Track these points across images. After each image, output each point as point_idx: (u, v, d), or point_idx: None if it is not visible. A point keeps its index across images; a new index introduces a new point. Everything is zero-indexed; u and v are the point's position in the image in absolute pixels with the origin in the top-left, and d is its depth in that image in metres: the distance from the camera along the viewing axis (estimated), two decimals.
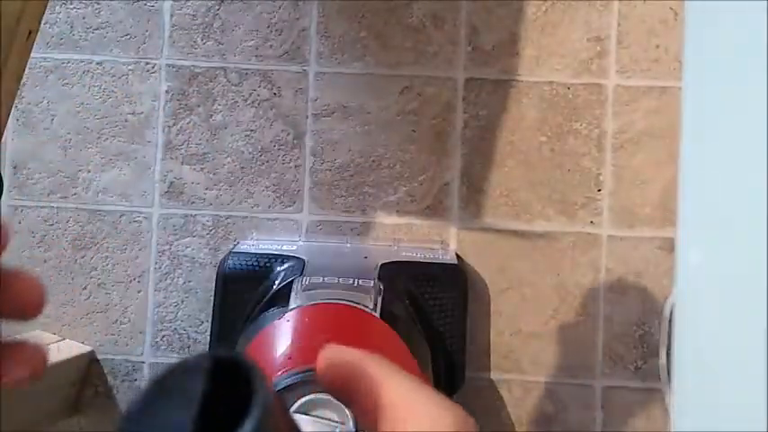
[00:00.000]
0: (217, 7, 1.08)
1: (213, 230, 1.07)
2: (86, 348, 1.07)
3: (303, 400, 0.68)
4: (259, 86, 1.08)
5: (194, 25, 1.08)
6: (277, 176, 1.07)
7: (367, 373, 0.29)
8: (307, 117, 1.08)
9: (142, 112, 1.08)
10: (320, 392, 0.68)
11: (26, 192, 1.08)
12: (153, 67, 1.08)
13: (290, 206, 1.07)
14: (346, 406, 0.29)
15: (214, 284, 0.99)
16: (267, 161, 1.07)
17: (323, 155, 1.07)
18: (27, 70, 0.69)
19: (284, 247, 1.01)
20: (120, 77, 1.09)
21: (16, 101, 0.97)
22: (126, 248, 1.08)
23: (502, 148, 1.07)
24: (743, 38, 0.42)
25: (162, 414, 0.25)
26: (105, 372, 1.08)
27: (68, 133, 1.08)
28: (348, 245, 1.05)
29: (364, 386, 0.29)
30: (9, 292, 0.27)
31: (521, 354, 1.06)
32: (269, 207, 1.07)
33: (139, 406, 0.25)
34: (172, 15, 1.09)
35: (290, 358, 0.73)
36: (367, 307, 0.87)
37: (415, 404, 0.28)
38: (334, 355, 0.30)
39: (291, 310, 0.84)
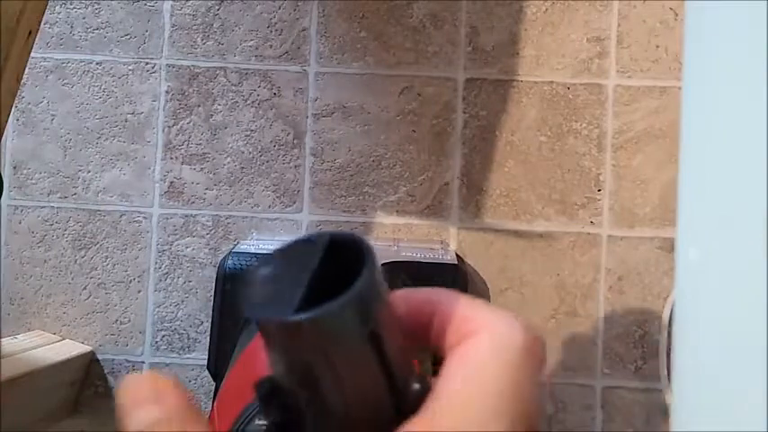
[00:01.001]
0: (217, 7, 1.08)
1: (213, 230, 1.07)
2: (86, 348, 1.07)
3: None
4: (259, 86, 1.08)
5: (194, 25, 1.08)
6: (277, 176, 1.07)
7: (437, 298, 0.30)
8: (307, 117, 1.07)
9: (142, 112, 1.08)
10: None
11: (26, 192, 1.08)
12: (153, 67, 1.08)
13: (290, 206, 1.07)
14: (422, 337, 0.30)
15: (214, 284, 0.99)
16: (267, 161, 1.07)
17: (323, 155, 1.07)
18: (27, 70, 0.69)
19: None
20: (120, 77, 1.09)
21: (16, 101, 0.97)
22: (126, 248, 1.08)
23: (502, 148, 1.07)
24: (743, 38, 0.42)
25: (280, 277, 0.27)
26: (105, 372, 1.07)
27: (68, 133, 1.08)
28: None
29: (437, 310, 0.30)
30: None
31: None
32: (269, 207, 1.07)
33: (261, 268, 0.27)
34: (172, 15, 1.09)
35: None
36: None
37: (487, 314, 0.29)
38: (400, 294, 0.30)
39: None
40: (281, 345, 0.26)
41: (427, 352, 0.31)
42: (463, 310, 0.29)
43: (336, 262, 0.27)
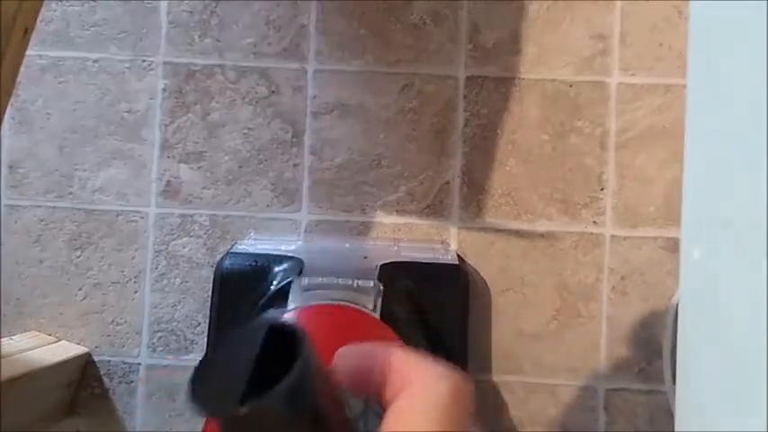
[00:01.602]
0: (214, 4, 1.08)
1: (210, 230, 1.07)
2: (82, 350, 1.06)
3: None
4: (257, 84, 1.07)
5: (192, 22, 1.08)
6: (275, 175, 1.07)
7: (376, 352, 0.33)
8: (305, 115, 1.07)
9: (139, 111, 1.08)
10: None
11: (21, 191, 1.07)
12: (150, 65, 1.08)
13: (288, 205, 1.07)
14: (362, 394, 0.33)
15: (211, 285, 0.98)
16: (265, 160, 1.07)
17: (322, 153, 1.07)
18: (22, 68, 0.68)
19: (282, 248, 1.00)
20: (116, 75, 1.08)
21: (12, 99, 0.97)
22: (122, 248, 1.07)
23: (503, 147, 1.06)
24: (747, 35, 0.41)
25: (223, 369, 0.30)
26: (101, 373, 1.07)
27: (64, 132, 1.08)
28: (347, 245, 1.04)
29: (375, 364, 0.32)
30: None
31: (522, 355, 1.06)
32: (267, 206, 1.07)
33: (206, 359, 0.30)
34: (169, 12, 1.08)
35: None
36: (366, 308, 0.86)
37: (418, 368, 0.31)
38: (346, 350, 0.33)
39: (290, 311, 0.83)
40: (229, 429, 0.30)
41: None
42: (397, 365, 0.32)
43: (278, 345, 0.30)
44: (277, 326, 0.30)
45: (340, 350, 0.33)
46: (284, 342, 0.29)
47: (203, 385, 0.29)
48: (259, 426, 0.28)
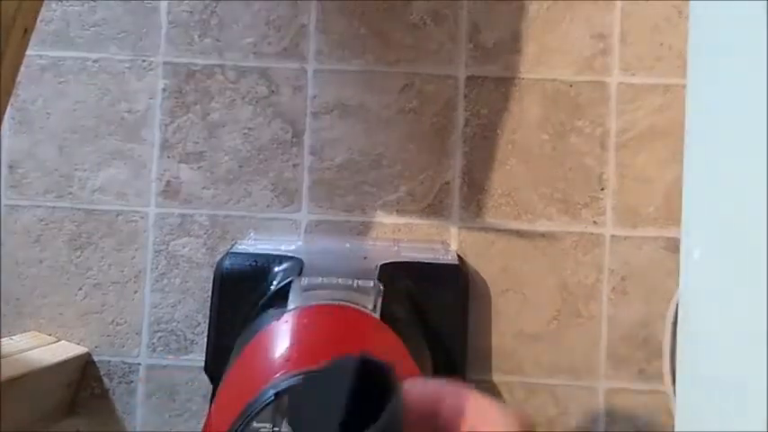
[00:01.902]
0: (214, 4, 1.07)
1: (210, 230, 1.07)
2: (82, 350, 1.06)
3: None
4: (257, 84, 1.07)
5: (192, 22, 1.08)
6: (275, 175, 1.07)
7: (446, 391, 0.34)
8: (305, 115, 1.07)
9: (139, 111, 1.08)
10: None
11: (21, 191, 1.07)
12: (150, 65, 1.08)
13: (288, 205, 1.07)
14: (428, 424, 0.34)
15: (211, 285, 0.98)
16: (265, 160, 1.07)
17: (322, 153, 1.07)
18: (22, 68, 0.68)
19: (282, 247, 1.00)
20: (116, 75, 1.08)
21: (12, 99, 0.97)
22: (122, 248, 1.07)
23: (503, 147, 1.06)
24: (747, 35, 0.41)
25: (322, 397, 0.31)
26: (101, 373, 1.07)
27: (64, 132, 1.08)
28: (347, 245, 1.04)
29: (449, 401, 0.33)
30: None
31: (522, 355, 1.05)
32: (267, 206, 1.07)
33: (302, 391, 0.32)
34: (169, 12, 1.08)
35: (288, 360, 0.73)
36: (366, 308, 0.86)
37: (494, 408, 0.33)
38: (414, 382, 0.34)
39: (290, 311, 0.83)
40: None
41: None
42: (472, 408, 0.33)
43: (368, 381, 0.32)
44: (367, 362, 0.31)
45: (408, 381, 0.34)
46: (370, 375, 0.31)
47: (303, 416, 0.31)
48: None
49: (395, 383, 0.30)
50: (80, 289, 1.07)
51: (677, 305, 0.43)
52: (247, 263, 0.97)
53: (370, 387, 0.31)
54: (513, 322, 1.06)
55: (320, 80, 1.07)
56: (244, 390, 0.73)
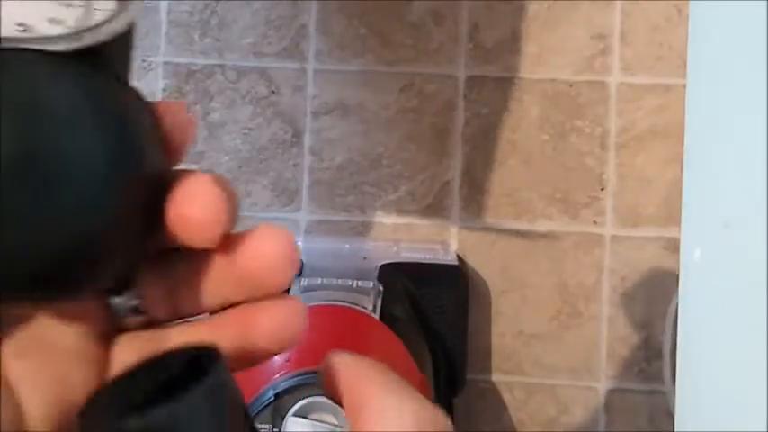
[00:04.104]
0: (214, 4, 1.08)
1: None
2: None
3: (302, 402, 0.68)
4: (257, 84, 1.07)
5: (191, 22, 1.08)
6: (275, 175, 1.07)
7: (358, 373, 0.28)
8: (305, 115, 1.07)
9: None
10: (319, 395, 0.67)
11: None
12: (150, 65, 1.08)
13: (288, 205, 1.07)
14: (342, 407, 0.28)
15: None
16: (265, 160, 1.07)
17: (322, 153, 1.07)
18: None
19: None
20: None
21: None
22: None
23: (503, 147, 1.06)
24: (747, 35, 0.41)
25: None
26: None
27: None
28: (347, 245, 1.04)
29: (352, 385, 0.28)
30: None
31: (523, 355, 1.06)
32: (267, 206, 1.07)
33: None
34: (168, 12, 1.08)
35: (288, 361, 0.73)
36: (366, 308, 0.86)
37: (382, 390, 0.27)
38: (335, 357, 0.29)
39: None
40: None
41: None
42: (361, 386, 0.28)
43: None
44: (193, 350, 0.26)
45: (329, 355, 0.29)
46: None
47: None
48: None
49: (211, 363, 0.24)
50: None
51: (677, 305, 0.43)
52: None
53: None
54: (513, 322, 1.06)
55: (320, 80, 1.07)
56: (243, 390, 0.73)
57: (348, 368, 0.28)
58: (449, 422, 0.27)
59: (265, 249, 0.25)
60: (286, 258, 0.25)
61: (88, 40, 0.23)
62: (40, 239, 0.22)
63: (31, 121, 0.22)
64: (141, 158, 0.24)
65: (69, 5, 0.23)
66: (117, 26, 0.24)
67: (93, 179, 0.22)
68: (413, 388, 0.27)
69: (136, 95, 0.25)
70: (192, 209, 0.24)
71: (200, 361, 0.24)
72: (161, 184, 0.25)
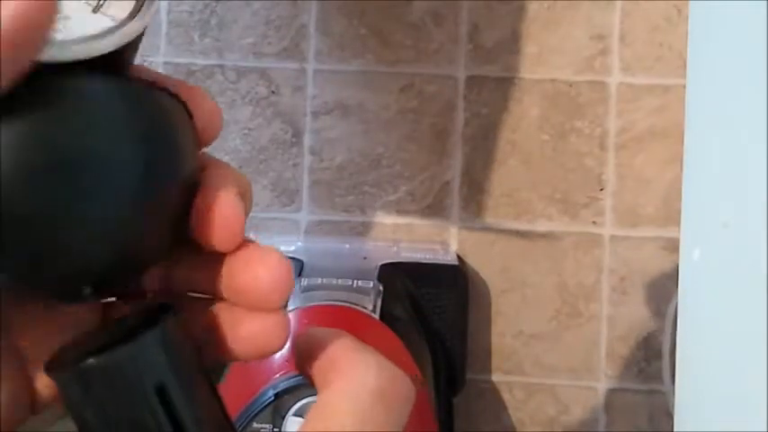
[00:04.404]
0: (214, 4, 1.08)
1: None
2: None
3: (302, 402, 0.68)
4: (257, 84, 1.07)
5: (191, 22, 1.08)
6: (275, 175, 1.07)
7: (324, 341, 0.29)
8: (305, 115, 1.07)
9: None
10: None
11: None
12: (150, 65, 1.08)
13: (288, 205, 1.07)
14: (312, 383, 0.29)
15: None
16: (265, 160, 1.07)
17: (322, 153, 1.07)
18: None
19: (282, 248, 1.00)
20: None
21: None
22: None
23: (503, 147, 1.06)
24: (747, 35, 0.42)
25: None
26: None
27: None
28: (347, 245, 1.04)
29: (319, 352, 0.29)
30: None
31: (522, 355, 1.06)
32: (267, 206, 1.07)
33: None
34: (168, 12, 1.08)
35: (288, 360, 0.73)
36: (366, 308, 0.86)
37: (348, 357, 0.28)
38: (301, 334, 0.30)
39: (290, 311, 0.83)
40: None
41: None
42: (327, 352, 0.28)
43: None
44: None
45: (298, 333, 0.30)
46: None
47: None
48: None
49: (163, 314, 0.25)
50: None
51: (676, 305, 0.43)
52: None
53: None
54: (512, 322, 1.06)
55: (320, 80, 1.07)
56: (244, 390, 0.73)
57: (314, 338, 0.29)
58: (411, 386, 0.27)
59: (260, 274, 0.26)
60: (281, 284, 0.26)
61: (108, 45, 0.24)
62: (78, 244, 0.23)
63: (71, 130, 0.22)
64: (178, 164, 0.25)
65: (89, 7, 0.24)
66: (136, 27, 0.24)
67: (135, 189, 0.23)
68: (376, 351, 0.28)
69: (168, 95, 0.25)
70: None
71: (157, 317, 0.25)
72: (194, 185, 0.26)
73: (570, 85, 1.06)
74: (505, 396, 1.06)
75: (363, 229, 1.07)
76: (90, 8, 0.24)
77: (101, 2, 0.24)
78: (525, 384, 1.06)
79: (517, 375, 1.06)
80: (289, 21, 1.07)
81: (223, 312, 0.28)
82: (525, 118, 1.06)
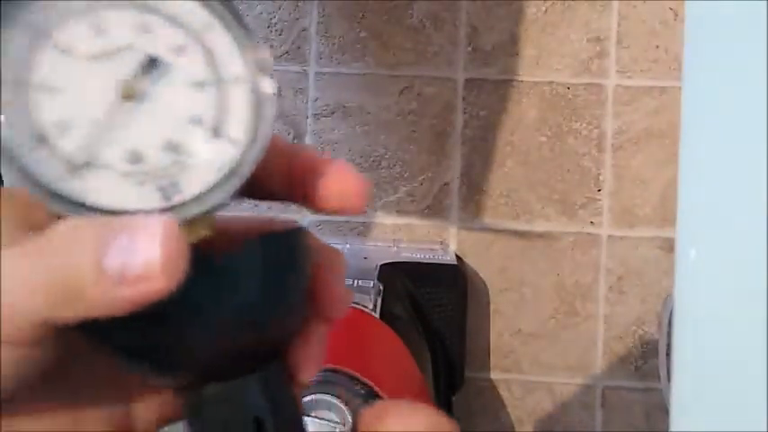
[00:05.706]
0: None
1: None
2: None
3: (304, 401, 0.68)
4: None
5: None
6: None
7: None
8: (307, 117, 1.07)
9: None
10: (321, 393, 0.68)
11: None
12: None
13: (289, 206, 1.07)
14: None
15: None
16: None
17: (323, 155, 1.07)
18: None
19: None
20: None
21: None
22: None
23: (502, 149, 1.06)
24: (743, 38, 0.42)
25: None
26: None
27: None
28: (347, 245, 1.05)
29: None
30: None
31: (521, 354, 1.06)
32: (268, 207, 1.07)
33: None
34: None
35: None
36: (366, 308, 0.87)
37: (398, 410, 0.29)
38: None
39: None
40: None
41: None
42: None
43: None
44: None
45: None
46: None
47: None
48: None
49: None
50: None
51: (672, 304, 0.43)
52: None
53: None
54: (511, 321, 1.06)
55: (321, 83, 1.07)
56: None
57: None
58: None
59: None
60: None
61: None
62: (204, 346, 0.26)
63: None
64: (289, 310, 0.27)
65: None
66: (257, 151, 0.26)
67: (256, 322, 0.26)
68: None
69: (306, 244, 0.28)
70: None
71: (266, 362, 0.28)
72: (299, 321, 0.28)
73: (568, 88, 1.07)
74: (504, 394, 1.07)
75: (363, 229, 1.07)
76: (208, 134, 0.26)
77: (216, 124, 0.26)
78: (523, 382, 1.06)
79: (515, 373, 1.06)
80: (290, 24, 1.08)
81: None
82: (523, 120, 1.06)
